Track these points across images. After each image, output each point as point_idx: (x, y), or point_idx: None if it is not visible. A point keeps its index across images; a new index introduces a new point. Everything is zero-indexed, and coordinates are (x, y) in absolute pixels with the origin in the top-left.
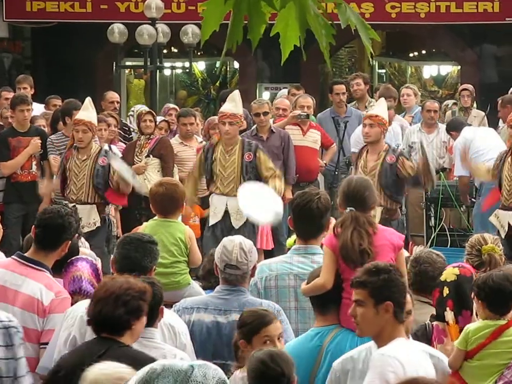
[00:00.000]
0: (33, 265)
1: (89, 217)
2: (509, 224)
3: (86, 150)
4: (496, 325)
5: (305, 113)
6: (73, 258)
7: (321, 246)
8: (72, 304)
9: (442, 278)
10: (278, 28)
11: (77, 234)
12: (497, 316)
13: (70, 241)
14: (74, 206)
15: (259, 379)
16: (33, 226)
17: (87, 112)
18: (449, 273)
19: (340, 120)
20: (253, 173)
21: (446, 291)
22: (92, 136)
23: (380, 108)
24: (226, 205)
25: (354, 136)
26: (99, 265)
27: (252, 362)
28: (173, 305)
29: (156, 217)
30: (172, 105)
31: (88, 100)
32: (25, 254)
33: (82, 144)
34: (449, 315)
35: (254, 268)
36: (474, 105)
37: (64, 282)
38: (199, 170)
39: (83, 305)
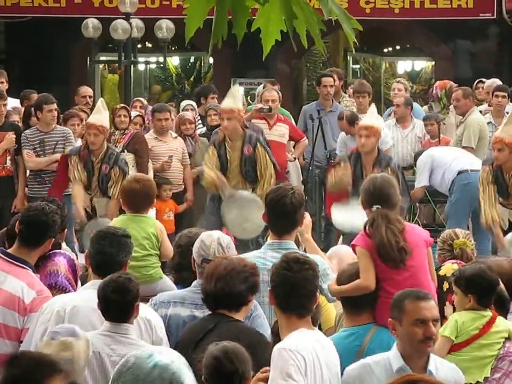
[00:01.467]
0: (16, 263)
1: (106, 210)
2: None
3: (98, 152)
4: (489, 315)
5: (268, 107)
6: (51, 252)
7: (353, 248)
8: None
9: (441, 273)
10: (259, 22)
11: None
12: (483, 307)
13: (54, 239)
14: (60, 203)
15: (213, 375)
16: (18, 222)
17: (98, 115)
18: (448, 268)
19: (324, 114)
20: (251, 165)
21: (446, 286)
22: (103, 138)
23: (373, 117)
24: None
25: (340, 139)
26: (76, 260)
27: (206, 358)
28: (149, 300)
29: (126, 213)
30: (138, 98)
31: (100, 102)
32: (9, 251)
33: (95, 146)
34: (449, 310)
35: None
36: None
37: (40, 276)
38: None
39: (59, 300)
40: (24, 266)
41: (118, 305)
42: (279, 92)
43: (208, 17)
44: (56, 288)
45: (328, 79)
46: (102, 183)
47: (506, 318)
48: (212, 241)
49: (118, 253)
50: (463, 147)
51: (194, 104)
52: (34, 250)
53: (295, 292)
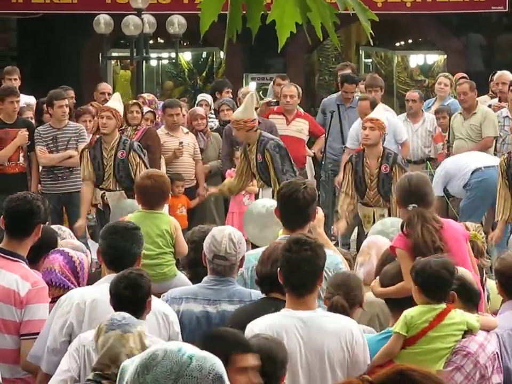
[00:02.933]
0: (8, 256)
1: (118, 203)
2: None
3: (111, 139)
4: (441, 308)
5: (275, 100)
6: (50, 251)
7: (393, 250)
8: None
9: None
10: (274, 15)
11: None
12: (434, 302)
13: (42, 225)
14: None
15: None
16: (2, 217)
17: (114, 102)
18: None
19: (344, 109)
20: (267, 170)
21: None
22: (115, 123)
23: (379, 112)
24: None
25: (352, 131)
26: (83, 257)
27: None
28: (161, 296)
29: (140, 209)
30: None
31: (117, 94)
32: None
33: (106, 130)
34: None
35: (243, 259)
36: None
37: (41, 274)
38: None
39: (77, 293)
40: (16, 259)
41: (130, 302)
42: (298, 87)
43: (220, 12)
44: (52, 286)
45: (350, 85)
46: (118, 171)
47: (476, 312)
48: (223, 236)
49: (131, 246)
50: (485, 137)
51: (209, 98)
52: (24, 240)
53: (294, 272)
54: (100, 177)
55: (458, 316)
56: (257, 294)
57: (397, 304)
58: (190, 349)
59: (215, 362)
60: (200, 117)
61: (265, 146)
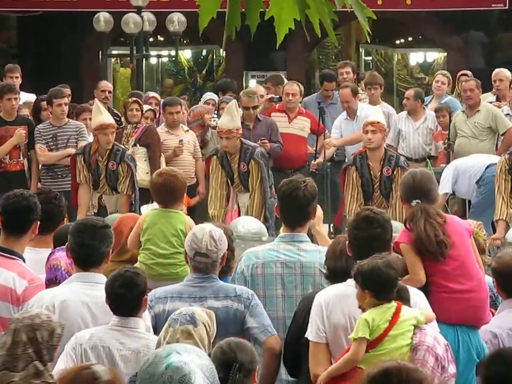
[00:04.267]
0: (5, 254)
1: (116, 206)
2: None
3: (104, 151)
4: (394, 306)
5: (278, 96)
6: (56, 248)
7: (397, 245)
8: None
9: None
10: (272, 11)
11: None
12: (385, 302)
13: (39, 222)
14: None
15: (218, 364)
16: None
17: (106, 114)
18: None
19: (325, 106)
20: (247, 179)
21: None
22: (113, 138)
23: (378, 114)
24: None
25: (336, 122)
26: None
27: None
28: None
29: (157, 207)
30: (152, 94)
31: (98, 104)
32: None
33: (109, 146)
34: None
35: (224, 255)
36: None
37: (46, 270)
38: (220, 178)
39: (46, 295)
40: (13, 257)
41: (126, 300)
42: (300, 85)
43: (219, 10)
44: (57, 283)
45: (330, 84)
46: (111, 180)
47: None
48: (203, 234)
49: (100, 245)
50: (509, 129)
51: (216, 98)
52: (22, 238)
53: (364, 249)
54: (96, 183)
55: (408, 311)
56: (240, 289)
57: None
58: (175, 356)
59: (185, 374)
60: (211, 111)
61: (252, 156)
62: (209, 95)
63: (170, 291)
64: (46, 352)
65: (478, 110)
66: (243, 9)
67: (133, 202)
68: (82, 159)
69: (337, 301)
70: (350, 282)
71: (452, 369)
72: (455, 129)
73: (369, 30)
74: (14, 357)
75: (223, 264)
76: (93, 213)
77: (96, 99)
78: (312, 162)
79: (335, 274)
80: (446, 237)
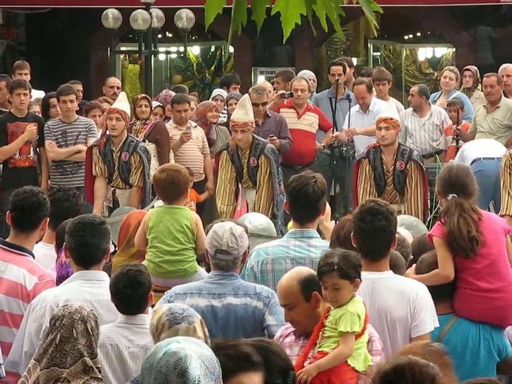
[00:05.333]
0: (15, 250)
1: (128, 201)
2: None
3: (118, 140)
4: (361, 298)
5: (289, 92)
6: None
7: (430, 238)
8: None
9: None
10: (279, 6)
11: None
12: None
13: (48, 219)
14: (76, 192)
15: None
16: (8, 211)
17: (121, 103)
18: None
19: (336, 102)
20: (256, 175)
21: None
22: (124, 125)
23: (391, 110)
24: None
25: (349, 116)
26: None
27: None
28: (165, 293)
29: (162, 204)
30: (172, 92)
31: (123, 94)
32: (7, 240)
33: (115, 132)
34: None
35: (245, 253)
36: (479, 86)
37: (56, 267)
38: (229, 174)
39: (49, 295)
40: (23, 253)
41: (132, 299)
42: (309, 81)
43: (227, 6)
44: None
45: (336, 67)
46: (123, 171)
47: None
48: (224, 231)
49: (100, 242)
50: None
51: (225, 94)
52: (32, 234)
53: (369, 241)
54: (111, 175)
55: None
56: (260, 287)
57: (431, 292)
58: (174, 344)
59: (181, 358)
60: (216, 109)
61: (262, 151)
62: (217, 91)
63: (190, 288)
64: (95, 345)
65: (498, 106)
66: (249, 5)
67: (146, 195)
68: (97, 151)
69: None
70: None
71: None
72: (475, 124)
73: (376, 24)
74: (63, 353)
75: (244, 261)
76: (107, 206)
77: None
78: (331, 135)
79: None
80: (478, 233)
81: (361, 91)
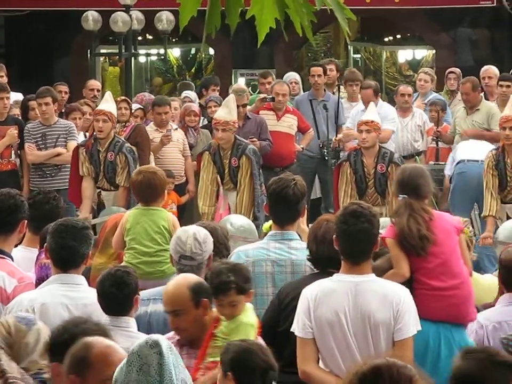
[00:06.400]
0: None
1: (114, 203)
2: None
3: (105, 141)
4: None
5: (271, 96)
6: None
7: (384, 240)
8: None
9: None
10: (254, 10)
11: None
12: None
13: (26, 221)
14: (56, 195)
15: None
16: None
17: (107, 104)
18: None
19: (317, 104)
20: (236, 175)
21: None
22: (111, 127)
23: (372, 113)
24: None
25: (354, 112)
26: None
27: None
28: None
29: (139, 206)
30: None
31: (108, 94)
32: None
33: (102, 134)
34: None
35: (210, 257)
36: None
37: (35, 269)
38: (211, 175)
39: (25, 298)
40: (2, 256)
41: (117, 299)
42: (289, 85)
43: (205, 9)
44: None
45: (316, 68)
46: (108, 171)
47: None
48: (187, 236)
49: (80, 246)
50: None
51: (192, 95)
52: (10, 237)
53: (352, 243)
54: (97, 175)
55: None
56: None
57: None
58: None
59: (150, 336)
60: (194, 113)
61: (244, 151)
62: (185, 93)
63: (153, 293)
64: None
65: (478, 109)
66: (223, 8)
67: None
68: (84, 151)
69: (324, 295)
70: (336, 277)
71: None
72: (455, 125)
73: (349, 31)
74: None
75: (209, 266)
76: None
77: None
78: (335, 138)
79: (317, 258)
80: (429, 232)
81: (369, 95)
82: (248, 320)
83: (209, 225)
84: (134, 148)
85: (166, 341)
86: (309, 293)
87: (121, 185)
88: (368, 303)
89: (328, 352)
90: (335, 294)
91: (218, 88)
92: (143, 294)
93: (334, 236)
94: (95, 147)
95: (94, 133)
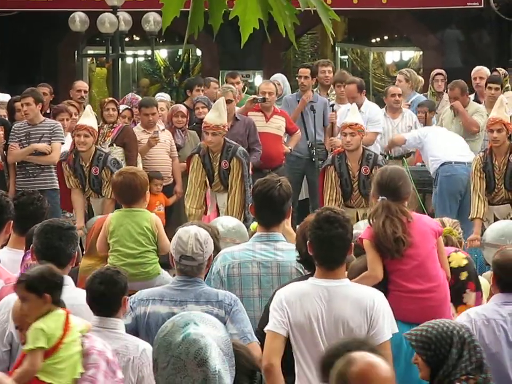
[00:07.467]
0: None
1: (102, 209)
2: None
3: (87, 155)
4: (64, 313)
5: (261, 97)
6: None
7: (361, 241)
8: None
9: (453, 265)
10: (237, 11)
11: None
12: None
13: (12, 221)
14: (40, 195)
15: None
16: None
17: (87, 118)
18: (459, 258)
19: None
20: (227, 178)
21: (464, 275)
22: (93, 141)
23: (355, 115)
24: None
25: (340, 111)
26: None
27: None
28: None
29: (121, 208)
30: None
31: (88, 107)
32: None
33: (84, 148)
34: (472, 296)
35: (210, 258)
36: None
37: (22, 270)
38: (200, 177)
39: (13, 299)
40: None
41: (105, 298)
42: (276, 84)
43: (188, 9)
44: None
45: (303, 69)
46: (94, 185)
47: None
48: (189, 237)
49: (66, 246)
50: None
51: (165, 96)
52: None
53: (326, 248)
54: (84, 187)
55: (74, 318)
56: (223, 293)
57: None
58: (193, 328)
59: (201, 347)
60: (182, 114)
61: (234, 153)
62: (159, 95)
63: (152, 293)
64: None
65: (466, 110)
66: (207, 9)
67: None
68: (67, 165)
69: (298, 299)
70: (311, 281)
71: (120, 374)
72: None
73: (333, 32)
74: None
75: (209, 266)
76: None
77: (91, 105)
78: (330, 139)
79: (307, 259)
80: (405, 234)
81: (351, 90)
82: (40, 325)
83: (200, 225)
84: (117, 150)
85: (214, 351)
86: (283, 295)
87: (108, 197)
88: (341, 308)
89: (302, 355)
90: (308, 297)
91: (203, 88)
92: (143, 294)
93: (308, 241)
94: (77, 162)
95: (74, 148)
